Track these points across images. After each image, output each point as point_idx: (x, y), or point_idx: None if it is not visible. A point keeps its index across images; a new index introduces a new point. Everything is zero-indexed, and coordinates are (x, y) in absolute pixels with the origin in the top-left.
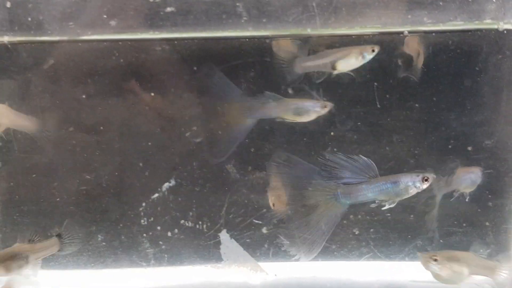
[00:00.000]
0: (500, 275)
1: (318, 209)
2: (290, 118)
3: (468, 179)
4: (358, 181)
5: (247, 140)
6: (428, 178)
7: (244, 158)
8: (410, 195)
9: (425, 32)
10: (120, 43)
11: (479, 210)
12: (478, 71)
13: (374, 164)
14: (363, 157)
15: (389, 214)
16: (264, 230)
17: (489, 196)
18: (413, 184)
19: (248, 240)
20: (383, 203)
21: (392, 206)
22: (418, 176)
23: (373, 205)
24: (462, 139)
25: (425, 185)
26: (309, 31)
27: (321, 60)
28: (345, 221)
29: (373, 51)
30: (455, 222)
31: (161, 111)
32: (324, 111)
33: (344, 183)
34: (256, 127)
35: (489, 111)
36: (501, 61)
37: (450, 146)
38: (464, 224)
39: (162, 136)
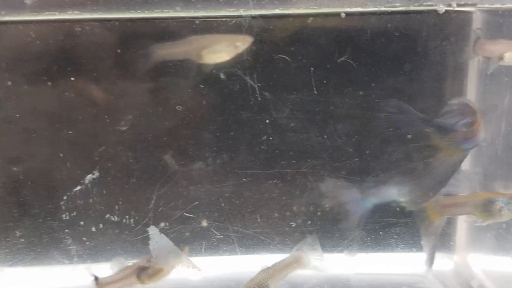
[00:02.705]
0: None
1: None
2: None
3: None
4: None
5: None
6: None
7: (182, 148)
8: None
9: (363, 13)
10: (39, 24)
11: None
12: (418, 56)
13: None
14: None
15: (327, 206)
16: (204, 223)
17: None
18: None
19: (187, 234)
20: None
21: None
22: None
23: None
24: (402, 126)
25: None
26: (241, 12)
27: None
28: (288, 213)
29: None
30: (396, 213)
31: (86, 98)
32: None
33: None
34: (194, 114)
35: (429, 97)
36: (441, 46)
37: (389, 134)
38: (405, 215)
39: (89, 125)
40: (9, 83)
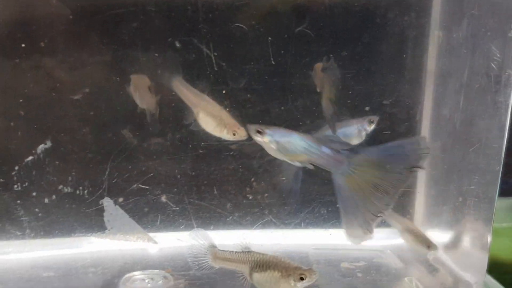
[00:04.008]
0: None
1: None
2: None
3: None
4: None
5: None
6: (373, 120)
7: (138, 119)
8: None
9: None
10: None
11: None
12: (377, 28)
13: None
14: None
15: (284, 178)
16: (163, 199)
17: None
18: (363, 128)
19: (146, 209)
20: None
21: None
22: (364, 119)
23: None
24: (360, 99)
25: (372, 126)
26: None
27: None
28: (245, 185)
29: None
30: None
31: (38, 68)
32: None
33: None
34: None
35: (388, 69)
36: (401, 18)
37: (347, 106)
38: None
39: (41, 95)
40: None
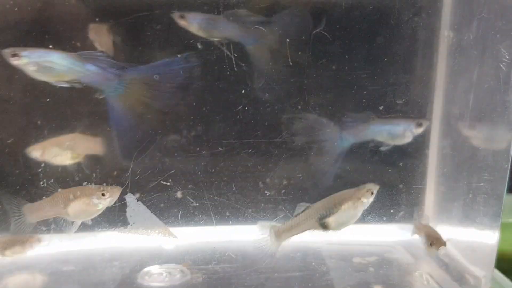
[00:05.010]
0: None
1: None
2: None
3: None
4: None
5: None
6: (422, 123)
7: (159, 118)
8: (406, 140)
9: None
10: None
11: (389, 170)
12: (391, 29)
13: None
14: None
15: (300, 175)
16: (178, 195)
17: (400, 156)
18: (409, 129)
19: (161, 205)
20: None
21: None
22: (413, 121)
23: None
24: (374, 98)
25: (420, 129)
26: None
27: None
28: (262, 182)
29: None
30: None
31: None
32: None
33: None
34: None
35: (401, 70)
36: (414, 20)
37: (362, 105)
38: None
39: (66, 93)
40: None
